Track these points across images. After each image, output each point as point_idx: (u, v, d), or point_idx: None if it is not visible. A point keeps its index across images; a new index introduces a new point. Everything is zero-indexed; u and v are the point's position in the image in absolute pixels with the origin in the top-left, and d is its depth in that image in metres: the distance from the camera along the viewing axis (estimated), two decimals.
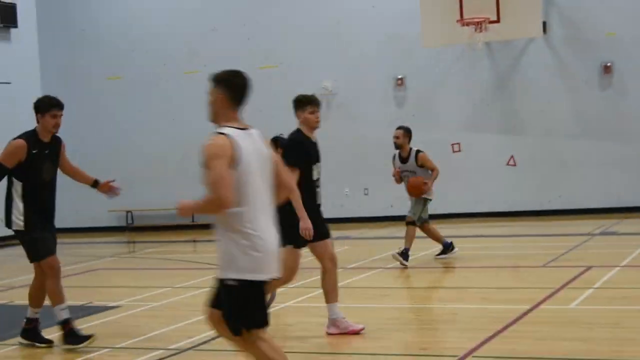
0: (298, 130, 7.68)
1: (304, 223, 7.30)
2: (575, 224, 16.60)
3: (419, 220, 11.96)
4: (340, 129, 18.74)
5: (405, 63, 18.82)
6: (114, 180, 8.31)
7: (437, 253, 12.45)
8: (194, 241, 18.15)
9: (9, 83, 20.34)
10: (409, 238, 11.91)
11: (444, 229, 13.45)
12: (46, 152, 7.78)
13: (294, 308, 9.29)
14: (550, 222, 17.25)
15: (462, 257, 12.39)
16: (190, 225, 19.48)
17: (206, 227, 18.76)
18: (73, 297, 10.89)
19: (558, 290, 9.37)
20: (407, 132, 12.30)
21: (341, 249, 14.71)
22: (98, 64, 20.89)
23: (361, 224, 18.63)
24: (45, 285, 7.75)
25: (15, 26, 20.42)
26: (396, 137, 12.26)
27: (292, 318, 8.77)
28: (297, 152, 7.52)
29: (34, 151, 7.67)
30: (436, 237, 12.33)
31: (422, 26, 17.19)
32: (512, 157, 18.44)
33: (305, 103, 7.69)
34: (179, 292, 10.71)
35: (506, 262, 12.38)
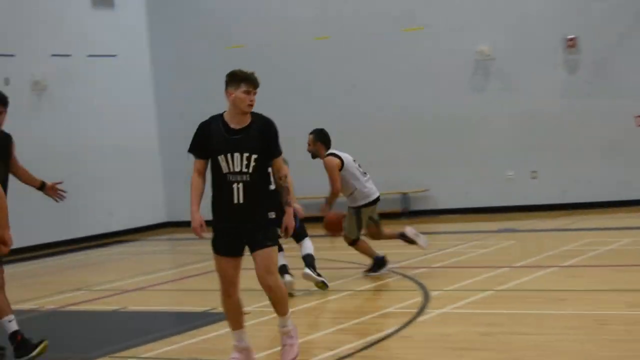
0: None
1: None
2: None
3: (356, 235, 11.90)
4: (500, 100, 18.88)
5: (577, 20, 18.63)
6: (60, 183, 9.06)
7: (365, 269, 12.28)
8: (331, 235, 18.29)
9: (114, 56, 22.26)
10: (365, 251, 12.00)
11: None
12: None
13: (454, 315, 9.26)
14: None
15: None
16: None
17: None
18: (196, 303, 11.48)
19: None
20: (318, 137, 11.76)
21: (507, 244, 14.66)
22: (214, 31, 22.02)
23: (529, 214, 18.55)
24: None
25: None
26: (308, 145, 11.85)
27: (450, 327, 8.71)
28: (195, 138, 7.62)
29: None
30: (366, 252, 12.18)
31: None
32: None
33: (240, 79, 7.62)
34: (315, 296, 10.87)
35: None
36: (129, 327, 10.70)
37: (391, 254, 12.41)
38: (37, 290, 14.01)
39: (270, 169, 7.64)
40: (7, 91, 20.02)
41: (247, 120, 7.41)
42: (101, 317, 11.36)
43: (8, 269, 17.51)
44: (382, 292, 11.23)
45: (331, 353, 7.78)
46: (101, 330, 10.55)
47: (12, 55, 20.63)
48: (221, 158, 7.34)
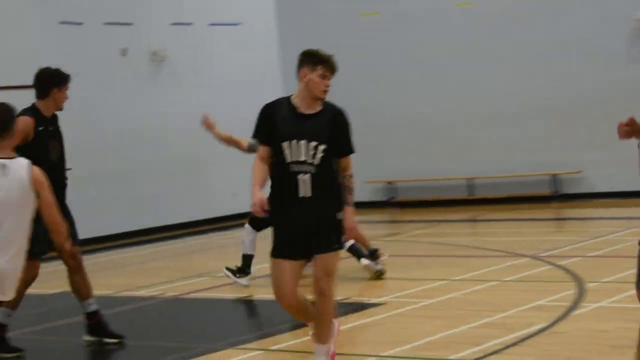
0: None
1: None
2: None
3: None
4: None
5: None
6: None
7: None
8: (473, 220, 18.90)
9: (237, 24, 23.07)
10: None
11: None
12: (51, 129, 9.40)
13: (611, 309, 9.26)
14: None
15: None
16: (466, 199, 20.68)
17: (488, 202, 19.92)
18: None
19: None
20: None
21: None
22: None
23: None
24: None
25: None
26: None
27: (608, 323, 8.74)
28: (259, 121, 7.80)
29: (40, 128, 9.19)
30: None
31: None
32: None
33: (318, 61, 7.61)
34: (458, 287, 11.06)
35: None
36: (254, 317, 11.11)
37: (541, 242, 12.49)
38: (159, 275, 14.70)
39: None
40: (125, 61, 21.18)
41: (319, 106, 7.37)
42: (225, 305, 11.82)
43: (132, 252, 18.00)
44: (531, 283, 11.33)
45: (476, 349, 7.89)
46: (225, 319, 11.03)
47: (130, 24, 21.57)
48: (286, 145, 7.25)
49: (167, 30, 22.35)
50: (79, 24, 21.01)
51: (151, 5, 22.20)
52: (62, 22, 20.69)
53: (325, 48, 16.64)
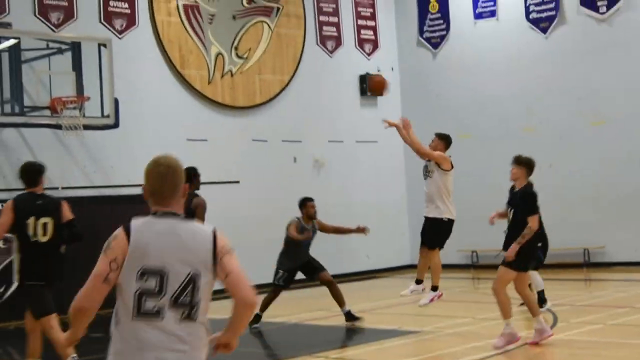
0: None
1: None
2: None
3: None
4: None
5: None
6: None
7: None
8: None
9: (375, 142, 27.27)
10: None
11: None
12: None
13: None
14: None
15: None
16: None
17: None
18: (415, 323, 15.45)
19: None
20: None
21: None
22: (450, 123, 25.43)
23: None
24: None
25: (381, 94, 27.71)
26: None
27: None
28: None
29: None
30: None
31: None
32: None
33: None
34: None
35: None
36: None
37: None
38: (291, 307, 18.03)
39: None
40: (295, 167, 25.80)
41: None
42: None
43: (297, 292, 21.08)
44: None
45: None
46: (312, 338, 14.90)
47: (299, 142, 25.74)
48: None
49: (325, 145, 26.26)
50: (264, 141, 25.07)
51: (314, 128, 25.78)
52: (254, 140, 24.86)
53: None
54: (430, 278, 14.67)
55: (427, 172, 14.59)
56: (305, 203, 16.43)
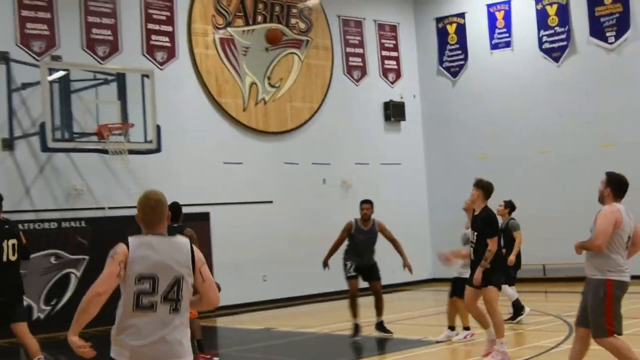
0: None
1: None
2: None
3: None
4: None
5: None
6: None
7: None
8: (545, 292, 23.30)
9: (399, 164, 28.51)
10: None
11: None
12: None
13: None
14: None
15: None
16: (540, 278, 25.45)
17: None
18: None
19: None
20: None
21: None
22: (469, 147, 27.97)
23: None
24: None
25: (404, 119, 28.91)
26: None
27: None
28: None
29: None
30: None
31: None
32: None
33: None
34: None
35: None
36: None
37: None
38: (320, 318, 19.01)
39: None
40: (324, 188, 26.20)
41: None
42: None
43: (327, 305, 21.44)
44: None
45: None
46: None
47: (328, 164, 26.32)
48: None
49: (352, 167, 26.85)
50: (296, 164, 25.64)
51: (342, 151, 26.52)
52: (286, 162, 25.44)
53: (454, 179, 21.51)
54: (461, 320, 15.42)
55: (467, 241, 14.37)
56: (360, 205, 16.70)
